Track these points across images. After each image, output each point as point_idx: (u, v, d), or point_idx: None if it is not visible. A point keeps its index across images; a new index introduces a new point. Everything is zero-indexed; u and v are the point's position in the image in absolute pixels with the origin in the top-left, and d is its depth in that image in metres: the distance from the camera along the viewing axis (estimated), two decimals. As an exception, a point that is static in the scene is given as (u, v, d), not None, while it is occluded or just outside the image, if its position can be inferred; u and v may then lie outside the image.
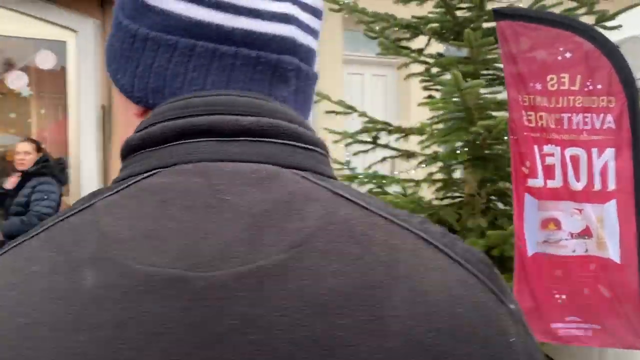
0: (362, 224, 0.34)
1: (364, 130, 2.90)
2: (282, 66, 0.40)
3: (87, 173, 4.40)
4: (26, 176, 3.70)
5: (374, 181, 2.86)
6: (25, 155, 3.70)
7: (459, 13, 2.61)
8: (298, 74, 0.42)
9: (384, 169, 3.45)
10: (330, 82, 4.43)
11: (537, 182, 1.88)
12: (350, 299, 0.31)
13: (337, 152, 3.23)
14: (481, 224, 2.39)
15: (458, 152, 2.66)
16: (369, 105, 4.76)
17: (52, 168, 3.76)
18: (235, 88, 0.39)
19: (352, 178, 2.87)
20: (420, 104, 2.73)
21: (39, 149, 3.79)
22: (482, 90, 2.53)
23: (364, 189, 2.81)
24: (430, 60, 2.76)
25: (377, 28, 2.76)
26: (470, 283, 0.34)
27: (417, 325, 0.31)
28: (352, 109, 2.88)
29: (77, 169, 4.37)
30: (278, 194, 0.34)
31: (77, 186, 4.36)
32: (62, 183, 3.84)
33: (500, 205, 2.69)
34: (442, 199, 2.89)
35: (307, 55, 0.43)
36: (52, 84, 4.57)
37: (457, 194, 2.89)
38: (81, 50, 4.44)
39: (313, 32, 0.44)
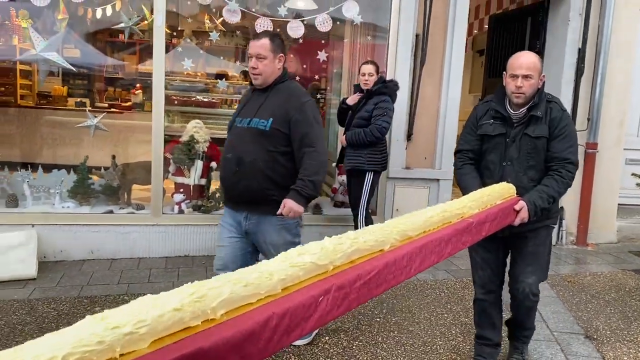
0: None
1: None
2: None
3: (398, 95, 4.93)
4: (369, 95, 4.34)
5: None
6: (369, 77, 4.32)
7: None
8: None
9: None
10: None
11: None
12: None
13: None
14: None
15: None
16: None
17: (390, 88, 4.33)
18: None
19: None
20: None
21: (377, 70, 4.39)
22: None
23: None
24: None
25: None
26: None
27: None
28: None
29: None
30: None
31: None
32: (393, 102, 4.41)
33: None
34: None
35: None
36: (375, 15, 5.15)
37: None
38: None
39: None
